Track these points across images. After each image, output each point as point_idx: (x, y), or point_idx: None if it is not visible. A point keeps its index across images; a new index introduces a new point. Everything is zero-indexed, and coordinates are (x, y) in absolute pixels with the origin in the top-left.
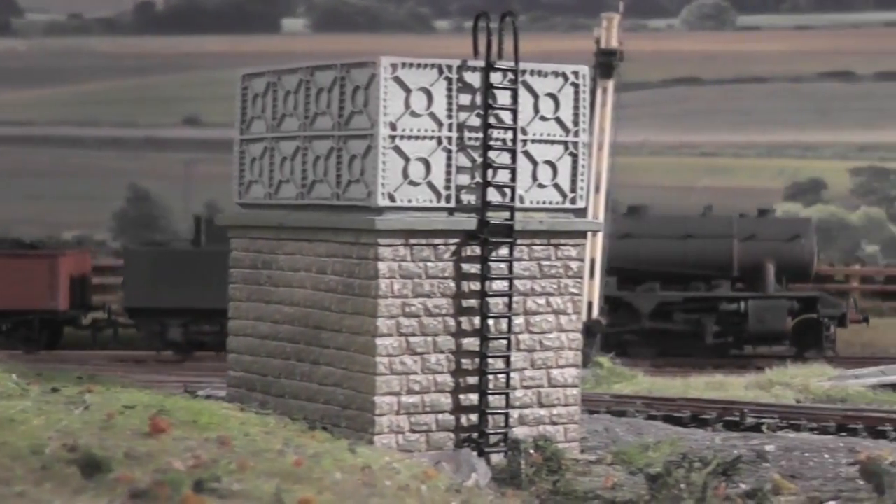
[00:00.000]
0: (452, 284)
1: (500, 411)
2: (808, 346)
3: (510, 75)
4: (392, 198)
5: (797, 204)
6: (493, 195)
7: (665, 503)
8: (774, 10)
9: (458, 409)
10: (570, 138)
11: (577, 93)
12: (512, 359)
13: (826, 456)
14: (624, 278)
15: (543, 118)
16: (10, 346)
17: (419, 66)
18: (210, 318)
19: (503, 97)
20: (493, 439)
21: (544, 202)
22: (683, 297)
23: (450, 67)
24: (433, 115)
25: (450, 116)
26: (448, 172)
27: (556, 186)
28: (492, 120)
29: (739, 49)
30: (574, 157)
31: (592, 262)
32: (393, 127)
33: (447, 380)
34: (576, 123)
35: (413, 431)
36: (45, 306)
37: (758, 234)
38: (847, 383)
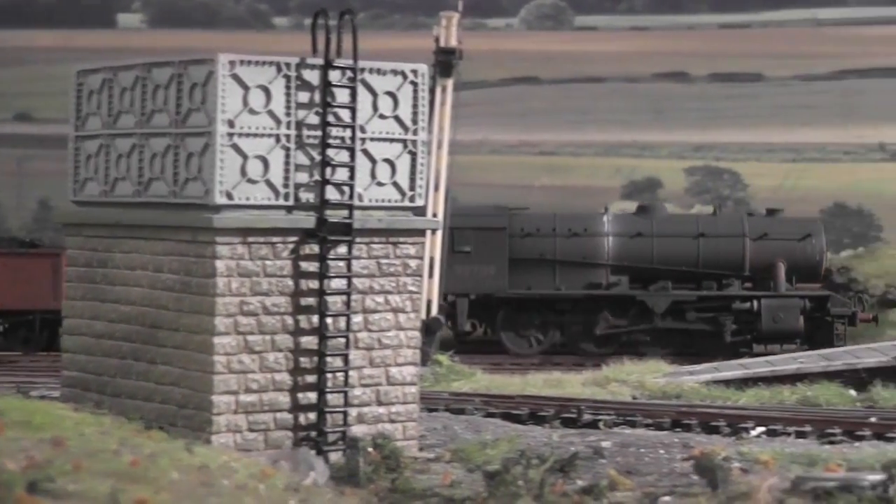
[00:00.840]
0: (291, 283)
1: (338, 410)
2: (819, 345)
3: (349, 73)
4: (230, 196)
5: (634, 203)
6: (331, 193)
7: (503, 500)
8: (611, 11)
9: (296, 407)
10: (409, 137)
11: (415, 91)
12: (350, 357)
13: (661, 451)
14: (635, 277)
15: (382, 116)
16: (8, 347)
17: (257, 63)
18: None
19: (342, 95)
20: (331, 438)
21: (383, 200)
22: (698, 295)
23: (288, 65)
24: (271, 113)
25: (288, 114)
26: (286, 170)
27: (395, 185)
28: (330, 118)
29: (577, 49)
30: (413, 155)
31: (431, 260)
32: (231, 124)
33: (285, 378)
34: (414, 122)
35: (251, 430)
36: (46, 306)
37: (770, 233)
38: (682, 380)
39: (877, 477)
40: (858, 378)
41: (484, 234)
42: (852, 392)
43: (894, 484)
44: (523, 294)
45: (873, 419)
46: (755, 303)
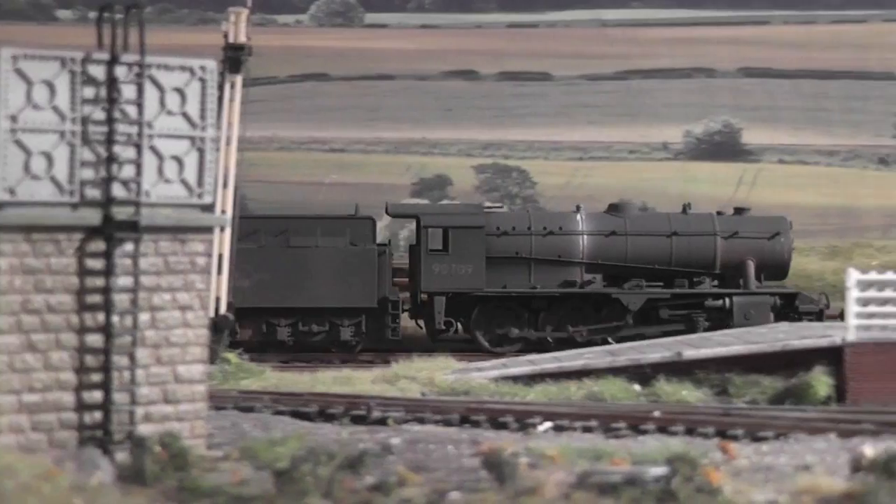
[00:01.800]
0: (76, 280)
1: (124, 408)
2: None
3: (135, 69)
4: (13, 192)
5: (424, 200)
6: (118, 190)
7: (292, 498)
8: (401, 9)
9: (81, 406)
10: (197, 133)
11: (203, 87)
12: (137, 355)
13: (450, 447)
14: (608, 276)
15: (170, 113)
16: None
17: (41, 57)
18: None
19: (128, 91)
20: (117, 437)
21: (171, 197)
22: (672, 293)
23: (73, 60)
24: (56, 109)
25: (73, 110)
26: (72, 167)
27: (183, 182)
28: (117, 114)
29: (367, 46)
30: (201, 152)
31: (220, 257)
32: (14, 120)
33: (70, 377)
34: (203, 118)
35: (35, 430)
36: None
37: (740, 231)
38: (470, 376)
39: (660, 470)
40: (643, 373)
41: (461, 232)
42: (637, 387)
43: (677, 477)
44: (500, 292)
45: (657, 413)
46: (727, 300)
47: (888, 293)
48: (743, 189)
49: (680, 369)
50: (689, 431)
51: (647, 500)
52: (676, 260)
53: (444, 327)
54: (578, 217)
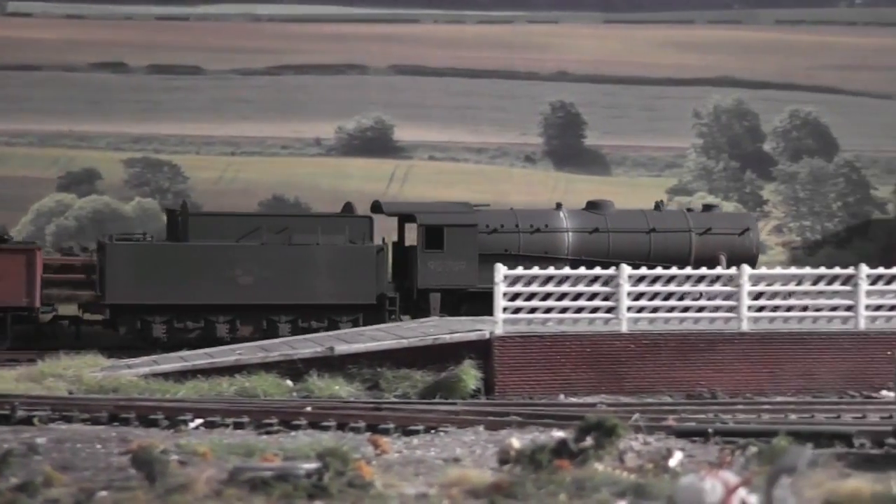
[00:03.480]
0: None
1: None
2: None
3: None
4: None
5: (71, 194)
6: None
7: None
8: None
9: None
10: None
11: None
12: None
13: (98, 446)
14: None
15: None
16: None
17: None
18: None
19: None
20: None
21: None
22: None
23: None
24: None
25: None
26: None
27: None
28: None
29: (10, 35)
30: None
31: None
32: None
33: None
34: None
35: None
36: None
37: (713, 227)
38: (120, 373)
39: (312, 465)
40: (295, 368)
41: (456, 230)
42: (289, 382)
43: (328, 472)
44: (490, 288)
45: (308, 409)
46: None
47: (534, 287)
48: (395, 185)
49: (332, 364)
50: (341, 426)
51: (299, 496)
52: (654, 255)
53: None
54: (562, 214)
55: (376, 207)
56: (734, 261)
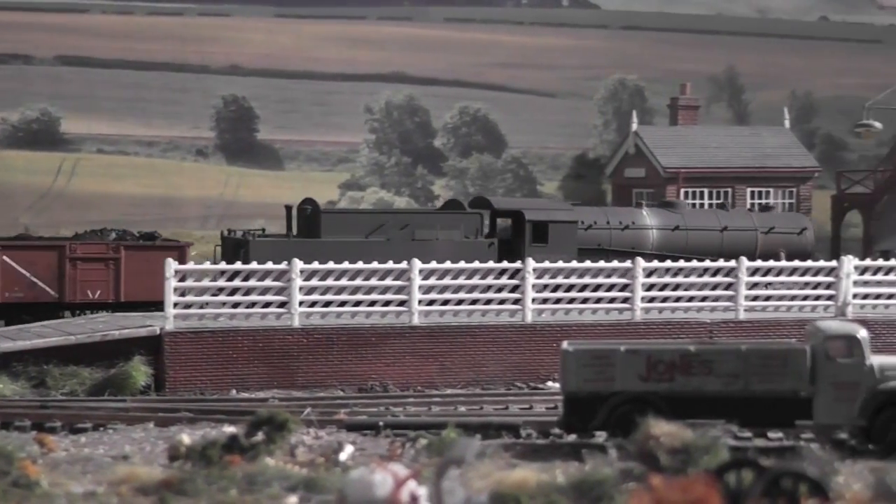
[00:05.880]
0: None
1: None
2: None
3: None
4: None
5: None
6: None
7: None
8: None
9: None
10: None
11: None
12: None
13: None
14: None
15: None
16: None
17: None
18: None
19: None
20: None
21: None
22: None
23: None
24: None
25: None
26: None
27: None
28: None
29: None
30: None
31: None
32: None
33: None
34: None
35: None
36: None
37: (775, 226)
38: None
39: None
40: None
41: (560, 226)
42: None
43: None
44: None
45: None
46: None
47: (204, 283)
48: (62, 178)
49: None
50: (6, 425)
51: None
52: (725, 251)
53: None
54: (644, 213)
55: (477, 203)
56: (793, 257)
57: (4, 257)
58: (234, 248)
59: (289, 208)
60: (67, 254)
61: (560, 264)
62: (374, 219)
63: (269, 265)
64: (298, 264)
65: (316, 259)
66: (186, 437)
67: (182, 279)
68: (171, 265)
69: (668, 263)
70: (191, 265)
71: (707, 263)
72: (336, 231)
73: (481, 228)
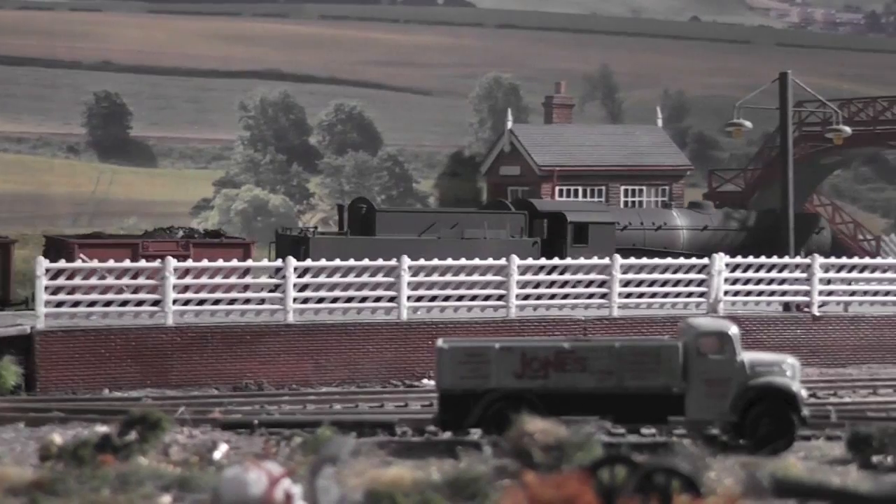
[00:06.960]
0: None
1: None
2: None
3: None
4: None
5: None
6: None
7: None
8: None
9: None
10: None
11: None
12: None
13: None
14: None
15: None
16: None
17: None
18: None
19: None
20: None
21: None
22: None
23: None
24: None
25: None
26: None
27: None
28: None
29: None
30: None
31: None
32: None
33: None
34: None
35: None
36: None
37: (796, 227)
38: None
39: None
40: None
41: (599, 227)
42: None
43: None
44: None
45: None
46: None
47: (77, 281)
48: None
49: None
50: None
51: None
52: (748, 248)
53: None
54: (674, 213)
55: (520, 204)
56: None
57: (82, 255)
58: (292, 245)
59: (341, 207)
60: (141, 251)
61: (435, 262)
62: (426, 218)
63: (142, 264)
64: (172, 262)
65: (369, 256)
66: (58, 437)
67: (54, 277)
68: (42, 263)
69: (543, 261)
70: (62, 262)
71: (581, 261)
72: (390, 229)
73: (526, 228)
